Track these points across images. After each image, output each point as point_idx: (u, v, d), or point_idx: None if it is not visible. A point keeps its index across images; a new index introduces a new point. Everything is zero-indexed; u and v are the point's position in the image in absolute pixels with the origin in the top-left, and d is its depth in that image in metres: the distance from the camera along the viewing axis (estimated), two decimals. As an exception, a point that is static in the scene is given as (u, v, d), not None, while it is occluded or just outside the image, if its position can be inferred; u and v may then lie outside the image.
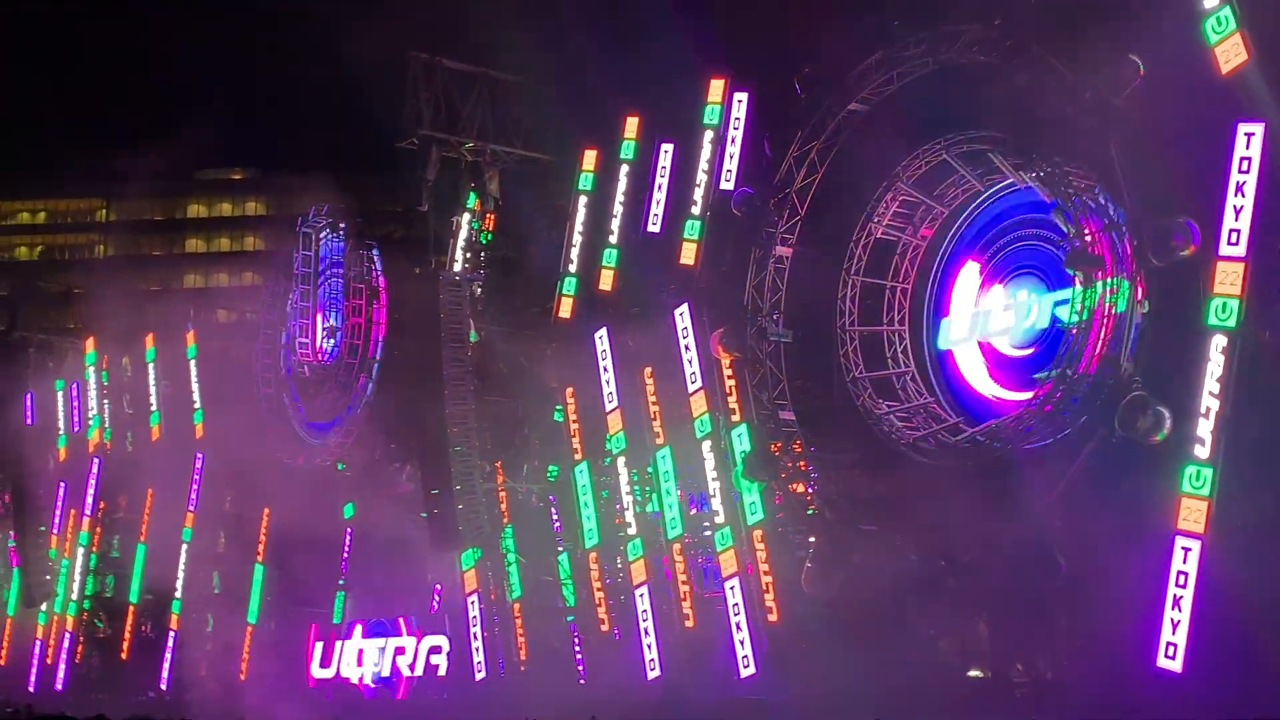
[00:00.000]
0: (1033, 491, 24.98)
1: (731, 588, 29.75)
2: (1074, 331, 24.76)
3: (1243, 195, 22.10)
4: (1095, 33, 24.26)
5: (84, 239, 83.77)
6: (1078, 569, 24.44)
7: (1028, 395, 25.96)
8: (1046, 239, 27.05)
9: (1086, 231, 24.61)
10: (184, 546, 46.40)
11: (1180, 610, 22.34)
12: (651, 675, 31.60)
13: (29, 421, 54.06)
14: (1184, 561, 22.35)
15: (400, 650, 40.28)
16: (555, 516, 36.31)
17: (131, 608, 47.93)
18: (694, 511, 31.71)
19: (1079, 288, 24.78)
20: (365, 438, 42.32)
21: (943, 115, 27.22)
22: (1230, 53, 22.42)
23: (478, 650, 36.97)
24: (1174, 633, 22.38)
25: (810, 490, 28.72)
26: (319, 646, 42.03)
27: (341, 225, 43.31)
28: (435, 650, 39.49)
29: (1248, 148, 22.08)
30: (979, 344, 28.34)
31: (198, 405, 47.11)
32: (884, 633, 27.12)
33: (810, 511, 28.95)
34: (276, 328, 45.42)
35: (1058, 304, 26.59)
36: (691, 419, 31.07)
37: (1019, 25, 25.25)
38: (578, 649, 34.91)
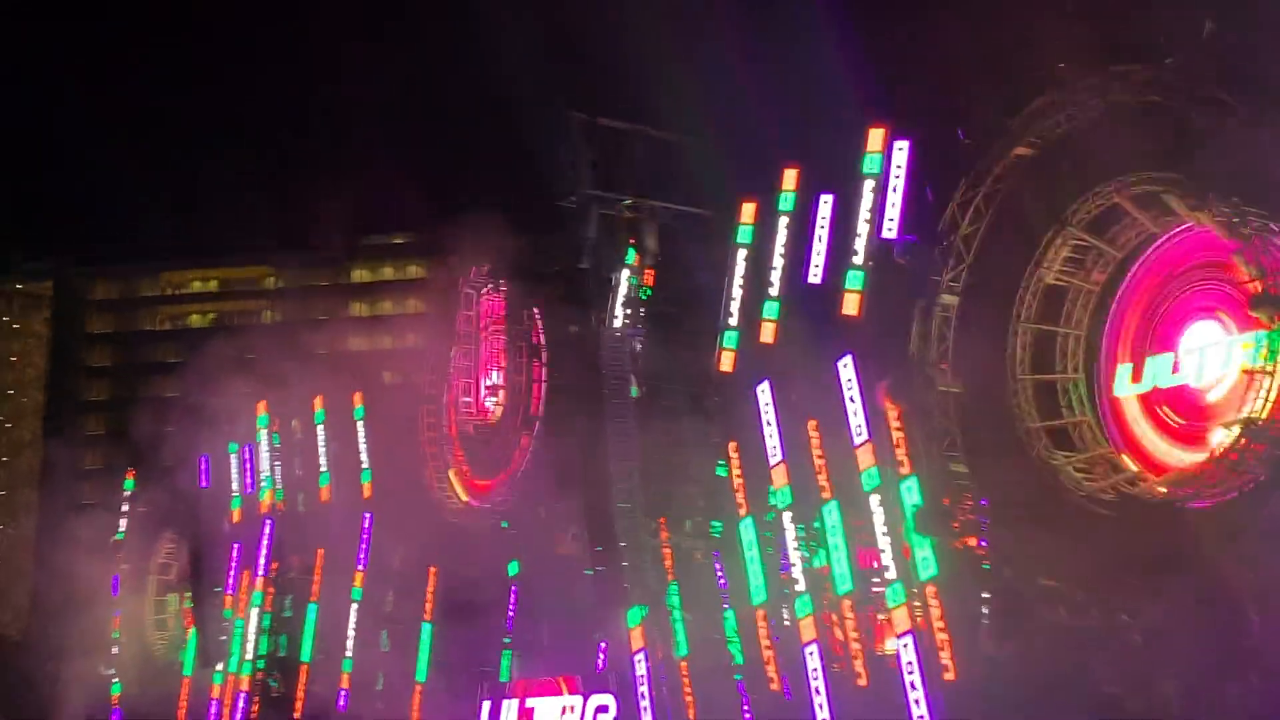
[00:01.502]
0: (1220, 544, 24.09)
1: (905, 645, 29.07)
2: (1258, 375, 23.86)
3: None
4: (1273, 69, 23.48)
5: (253, 305, 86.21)
6: (1269, 624, 23.46)
7: (1211, 444, 25.01)
8: (1226, 282, 26.12)
9: (1270, 272, 23.74)
10: (354, 606, 46.97)
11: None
12: (824, 733, 31.04)
13: (204, 484, 55.40)
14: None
15: (568, 709, 40.15)
16: (720, 572, 35.97)
17: (304, 667, 48.66)
18: (864, 567, 31.14)
19: (1263, 331, 23.92)
20: (529, 495, 42.55)
21: (1113, 157, 26.52)
22: None
23: (646, 710, 36.69)
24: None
25: (985, 544, 28.00)
26: (487, 705, 42.13)
27: (503, 284, 43.79)
28: (603, 710, 39.27)
29: None
30: (1160, 390, 27.38)
31: (365, 465, 47.82)
32: (1066, 691, 26.30)
33: (986, 566, 28.22)
34: (440, 387, 46.03)
35: (1238, 349, 25.62)
36: (859, 472, 30.53)
37: (1192, 63, 24.57)
38: (746, 708, 34.43)
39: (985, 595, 28.15)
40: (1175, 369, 27.23)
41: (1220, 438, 24.37)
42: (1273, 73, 23.40)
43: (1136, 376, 27.98)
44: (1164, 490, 26.08)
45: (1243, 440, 23.99)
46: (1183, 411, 27.06)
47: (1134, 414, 27.99)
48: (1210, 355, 26.55)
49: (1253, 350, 24.52)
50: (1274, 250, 23.96)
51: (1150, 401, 27.72)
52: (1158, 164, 26.02)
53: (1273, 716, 24.17)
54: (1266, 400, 23.73)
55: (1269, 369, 23.67)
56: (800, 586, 32.43)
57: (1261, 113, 23.41)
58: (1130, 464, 27.55)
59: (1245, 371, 24.77)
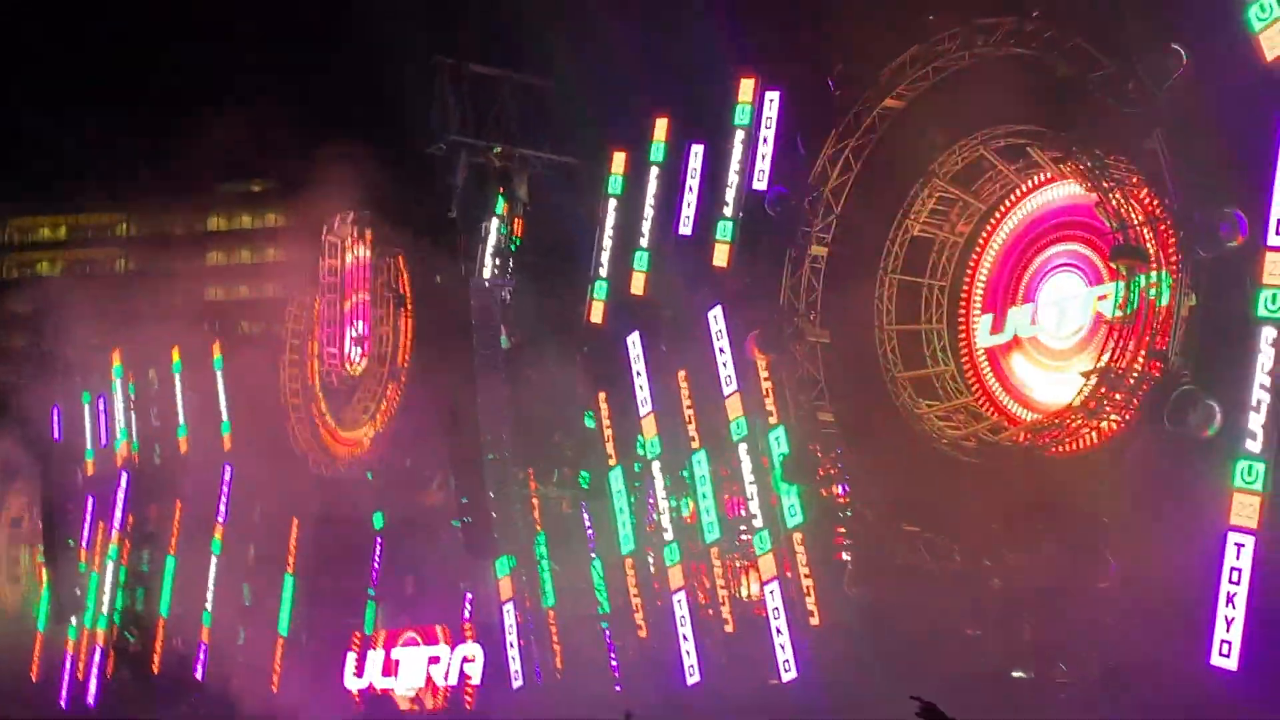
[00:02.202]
0: (1079, 489, 24.68)
1: (771, 591, 29.44)
2: (1117, 326, 24.41)
3: (1293, 184, 21.74)
4: (1137, 22, 23.91)
5: (105, 254, 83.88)
6: (1127, 568, 24.10)
7: (1071, 392, 25.57)
8: (1086, 233, 26.70)
9: (1129, 224, 24.26)
10: (213, 559, 46.27)
11: (1234, 607, 21.98)
12: (691, 681, 31.33)
13: (56, 437, 54.01)
14: (1237, 558, 21.99)
15: (434, 659, 40.03)
16: (588, 523, 36.08)
17: (162, 621, 47.82)
18: (731, 516, 31.44)
19: (1122, 281, 24.44)
20: (395, 446, 42.22)
21: (980, 110, 26.88)
22: (1275, 40, 22.08)
23: (514, 659, 36.73)
24: (1228, 630, 22.02)
25: (850, 492, 28.40)
26: (351, 657, 41.84)
27: (367, 233, 43.21)
28: (469, 659, 39.25)
29: (1297, 136, 21.72)
30: (1019, 341, 27.94)
31: (225, 417, 47.02)
32: (927, 635, 26.81)
33: (850, 513, 28.63)
34: (303, 338, 45.37)
35: (1099, 299, 26.21)
36: (728, 422, 30.76)
37: (1058, 16, 24.94)
38: (613, 656, 34.64)
39: (849, 542, 28.56)
40: (1034, 320, 27.77)
41: (1079, 386, 24.83)
42: (1137, 26, 23.79)
43: (997, 327, 28.51)
44: (1024, 438, 26.59)
45: (1101, 389, 24.47)
46: (1044, 361, 27.59)
47: (997, 364, 28.53)
48: (1069, 306, 27.12)
49: (1110, 300, 25.01)
50: (1134, 202, 24.45)
51: (1012, 352, 28.26)
52: (1022, 116, 26.40)
53: (1127, 658, 24.78)
54: (1123, 350, 24.22)
55: (1127, 319, 24.15)
56: (669, 535, 32.64)
57: (1125, 65, 23.81)
58: (992, 413, 28.09)
59: (1104, 322, 25.29)
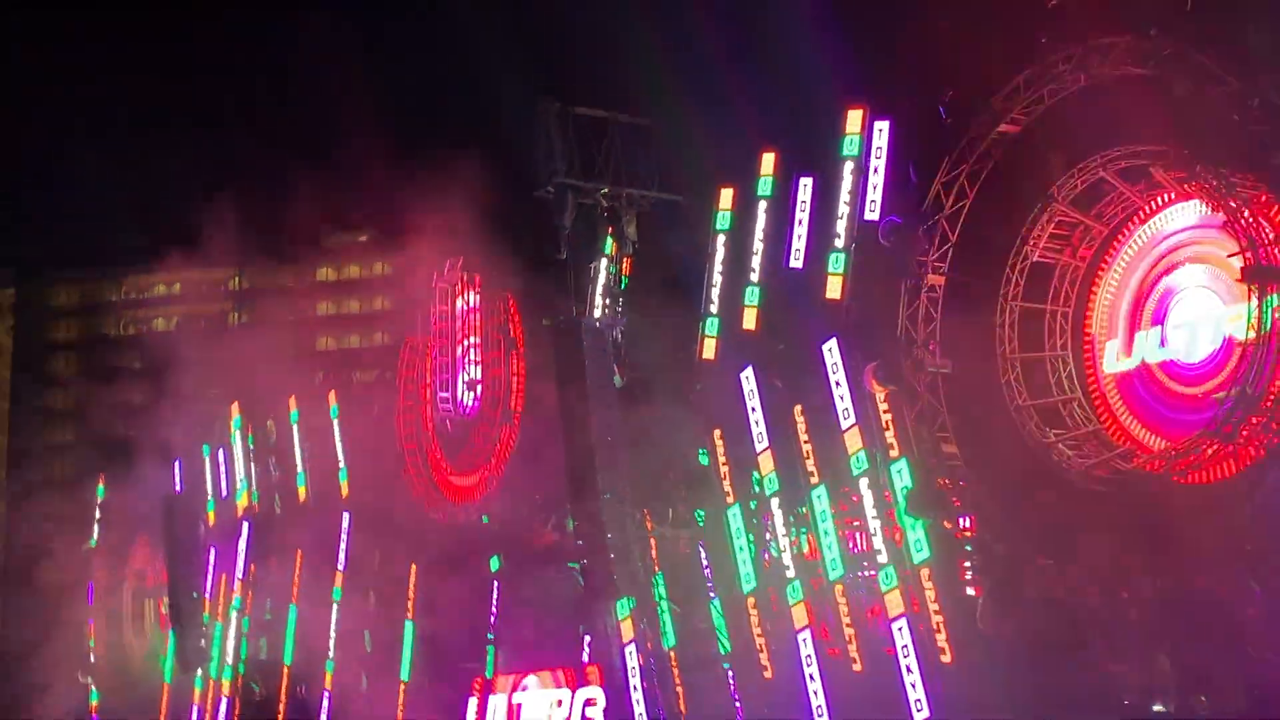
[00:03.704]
0: (1219, 516, 23.98)
1: (899, 629, 28.88)
2: (1251, 348, 23.73)
3: None
4: (1258, 35, 23.33)
5: (217, 308, 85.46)
6: (1272, 596, 23.36)
7: (1205, 417, 24.87)
8: (1215, 254, 25.99)
9: (1260, 243, 23.60)
10: (335, 606, 46.57)
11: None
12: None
13: (178, 489, 54.83)
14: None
15: (558, 703, 39.86)
16: (705, 562, 35.76)
17: (286, 669, 48.21)
18: (854, 551, 30.97)
19: (1253, 302, 23.77)
20: (509, 489, 42.25)
21: (1098, 131, 26.35)
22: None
23: (638, 701, 36.43)
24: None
25: (978, 525, 27.83)
26: (473, 702, 41.82)
27: (476, 277, 43.40)
28: (590, 703, 39.02)
29: None
30: (1150, 366, 27.24)
31: (342, 465, 47.39)
32: (1063, 670, 26.19)
33: (978, 548, 28.06)
34: (417, 384, 45.65)
35: (1231, 321, 25.48)
36: (847, 456, 30.31)
37: (1175, 33, 24.39)
38: (737, 698, 34.22)
39: (980, 576, 27.98)
40: (1164, 343, 27.09)
41: (1215, 411, 24.14)
42: (1257, 40, 23.20)
43: (1125, 352, 27.85)
44: (1158, 466, 25.90)
45: (1236, 412, 23.80)
46: (1174, 386, 26.90)
47: (1127, 390, 27.85)
48: (1200, 329, 26.42)
49: (1242, 322, 24.33)
50: (1263, 220, 23.79)
51: (1140, 378, 27.57)
52: (1142, 136, 25.84)
53: (1274, 688, 24.02)
54: (1258, 371, 23.55)
55: (1261, 340, 23.47)
56: (790, 573, 32.22)
57: (1246, 81, 23.21)
58: (1122, 440, 27.40)
59: (1237, 344, 24.60)
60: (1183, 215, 26.64)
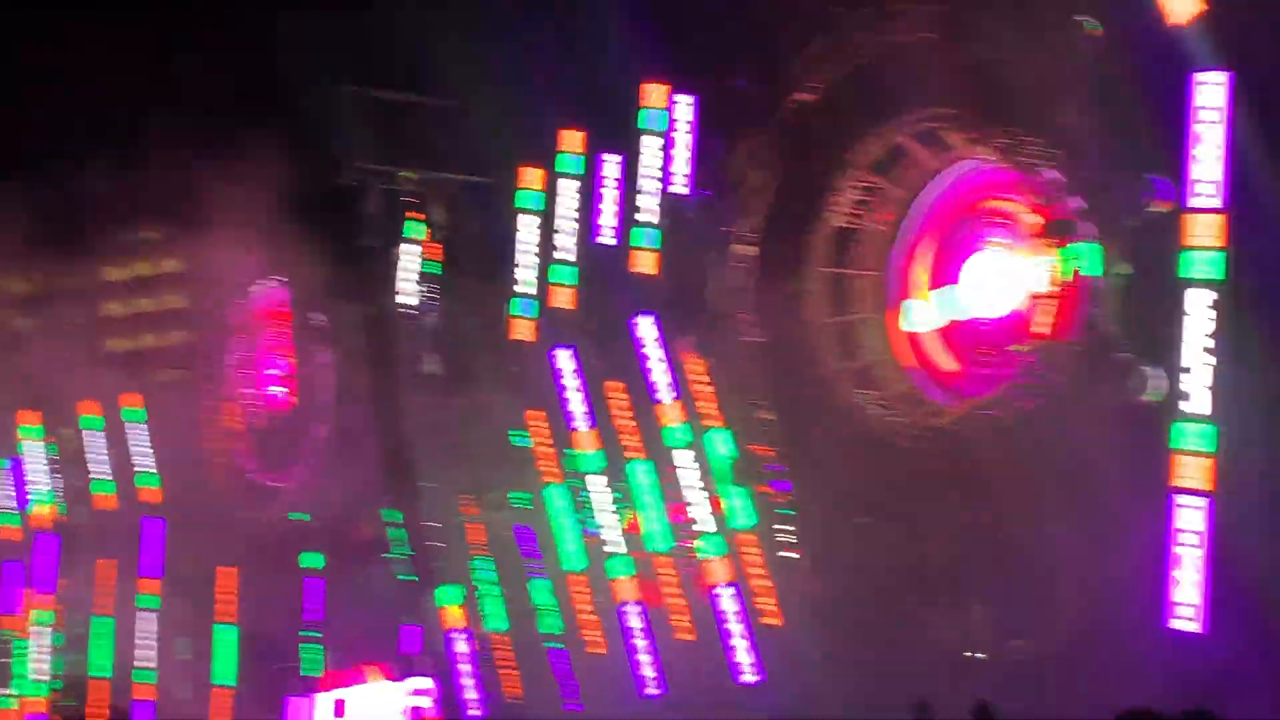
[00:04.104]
0: (1025, 464, 24.79)
1: (727, 596, 29.32)
2: (1047, 299, 24.56)
3: (1211, 146, 21.97)
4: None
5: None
6: (1076, 539, 24.21)
7: (1009, 370, 25.72)
8: (1010, 210, 26.86)
9: (1052, 199, 24.44)
10: (149, 614, 45.30)
11: (1187, 569, 22.12)
12: (653, 692, 31.10)
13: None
14: (1186, 519, 22.14)
15: (381, 697, 39.41)
16: (528, 543, 35.78)
17: (101, 682, 46.68)
18: (678, 523, 31.28)
19: (1050, 255, 24.61)
20: (325, 484, 41.59)
21: (894, 97, 26.97)
22: (1180, 4, 22.30)
23: (469, 688, 36.26)
24: (1185, 592, 22.16)
25: (798, 490, 28.35)
26: (298, 702, 41.11)
27: (281, 270, 42.51)
28: (420, 693, 38.67)
29: (1210, 99, 21.95)
30: (953, 323, 28.05)
31: (149, 469, 46.07)
32: (885, 624, 26.85)
33: (798, 511, 28.59)
34: (223, 382, 44.61)
35: (1023, 275, 26.34)
36: (667, 429, 30.62)
37: (964, -1, 25.12)
38: (569, 675, 34.34)
39: (800, 539, 28.51)
40: (964, 300, 27.88)
41: (1019, 361, 24.97)
42: (1044, 2, 23.99)
43: (928, 311, 28.58)
44: (964, 420, 26.70)
45: (1039, 365, 24.62)
46: (978, 341, 27.74)
47: (927, 349, 28.63)
48: (998, 284, 27.24)
49: (1040, 274, 25.14)
50: (1053, 177, 24.62)
51: (945, 335, 28.36)
52: (937, 100, 26.52)
53: (1085, 628, 24.90)
54: (1058, 322, 24.38)
55: (1058, 291, 24.32)
56: (616, 549, 32.42)
57: (1035, 42, 23.98)
58: (931, 397, 28.17)
59: (1035, 297, 25.44)
60: (978, 175, 27.44)
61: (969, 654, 26.53)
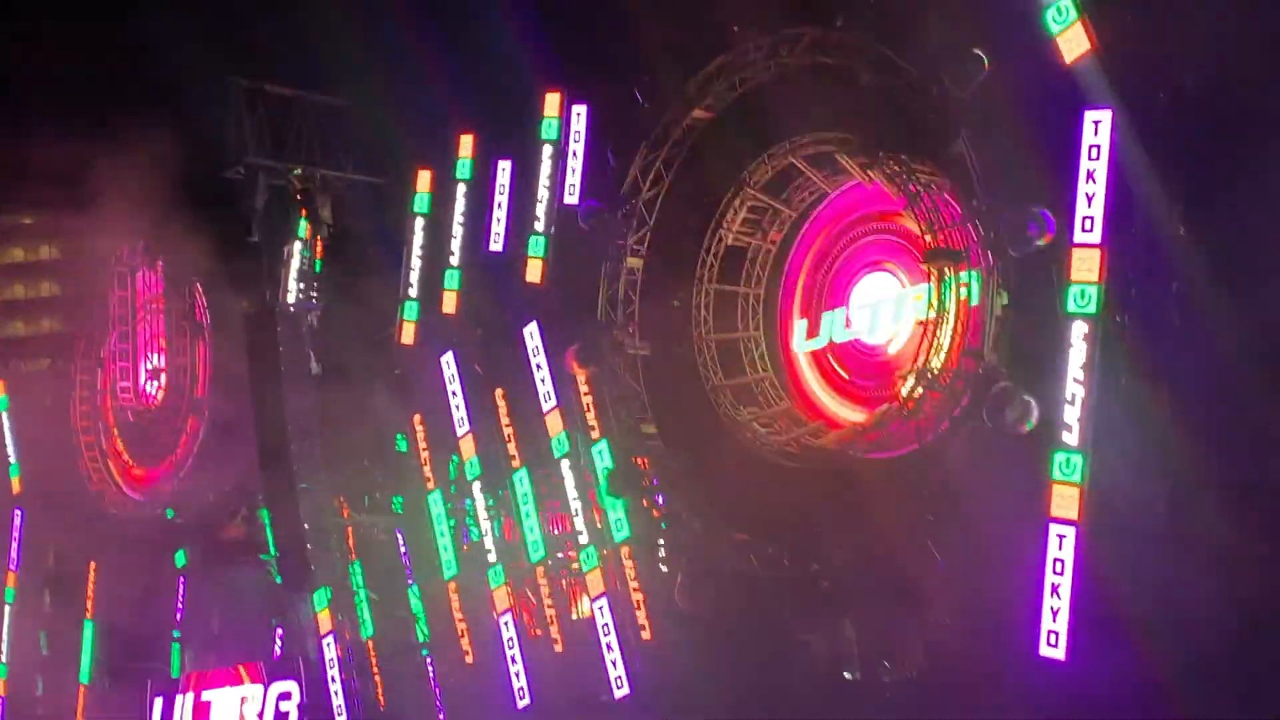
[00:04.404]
0: (903, 488, 25.03)
1: (600, 608, 29.24)
2: (931, 326, 24.85)
3: (1094, 182, 22.32)
4: (938, 29, 24.40)
5: None
6: (953, 564, 24.49)
7: (889, 394, 25.95)
8: (896, 236, 27.18)
9: (939, 226, 24.73)
10: (6, 608, 44.24)
11: (1060, 597, 22.47)
12: (521, 704, 30.93)
13: None
14: (1060, 549, 22.51)
15: (246, 699, 38.76)
16: (404, 549, 35.44)
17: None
18: (556, 533, 31.17)
19: (933, 283, 24.89)
20: (196, 481, 40.90)
21: (788, 119, 27.15)
22: (1073, 42, 22.71)
23: (336, 694, 35.78)
24: (1055, 620, 22.51)
25: (676, 503, 28.35)
26: (159, 702, 40.30)
27: (159, 262, 41.81)
28: (285, 696, 38.10)
29: (1096, 135, 22.29)
30: (836, 345, 28.29)
31: (13, 460, 44.98)
32: (759, 642, 26.93)
33: (675, 525, 28.58)
34: (94, 373, 43.74)
35: (913, 300, 26.66)
36: (548, 438, 30.50)
37: (860, 25, 25.31)
38: (435, 685, 34.05)
39: (677, 553, 28.51)
40: (848, 324, 28.15)
41: (898, 389, 25.20)
42: (939, 32, 24.27)
43: (812, 332, 28.84)
44: (845, 442, 26.91)
45: (918, 390, 24.87)
46: (859, 365, 28.01)
47: (811, 369, 28.86)
48: (882, 309, 27.55)
49: (924, 302, 25.44)
50: (941, 205, 24.95)
51: (826, 356, 28.60)
52: (829, 124, 26.73)
53: (955, 654, 25.19)
54: (939, 351, 24.66)
55: (940, 319, 24.59)
56: (492, 558, 32.21)
57: (928, 71, 24.26)
58: (811, 417, 28.35)
59: (919, 323, 25.73)
60: (866, 201, 27.72)
61: (845, 675, 26.76)
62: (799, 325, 29.01)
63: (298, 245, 36.39)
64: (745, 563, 27.06)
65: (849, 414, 27.93)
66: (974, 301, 24.48)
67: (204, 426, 40.50)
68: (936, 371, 24.57)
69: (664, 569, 28.71)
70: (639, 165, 28.70)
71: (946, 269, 24.64)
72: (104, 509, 42.89)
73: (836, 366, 28.32)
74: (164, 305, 41.83)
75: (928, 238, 24.81)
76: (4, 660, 43.99)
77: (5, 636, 44.06)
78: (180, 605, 41.17)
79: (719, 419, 28.48)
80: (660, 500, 28.82)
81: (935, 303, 24.71)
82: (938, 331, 24.63)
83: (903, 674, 26.69)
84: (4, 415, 45.58)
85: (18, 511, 44.52)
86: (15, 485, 44.84)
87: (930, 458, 24.89)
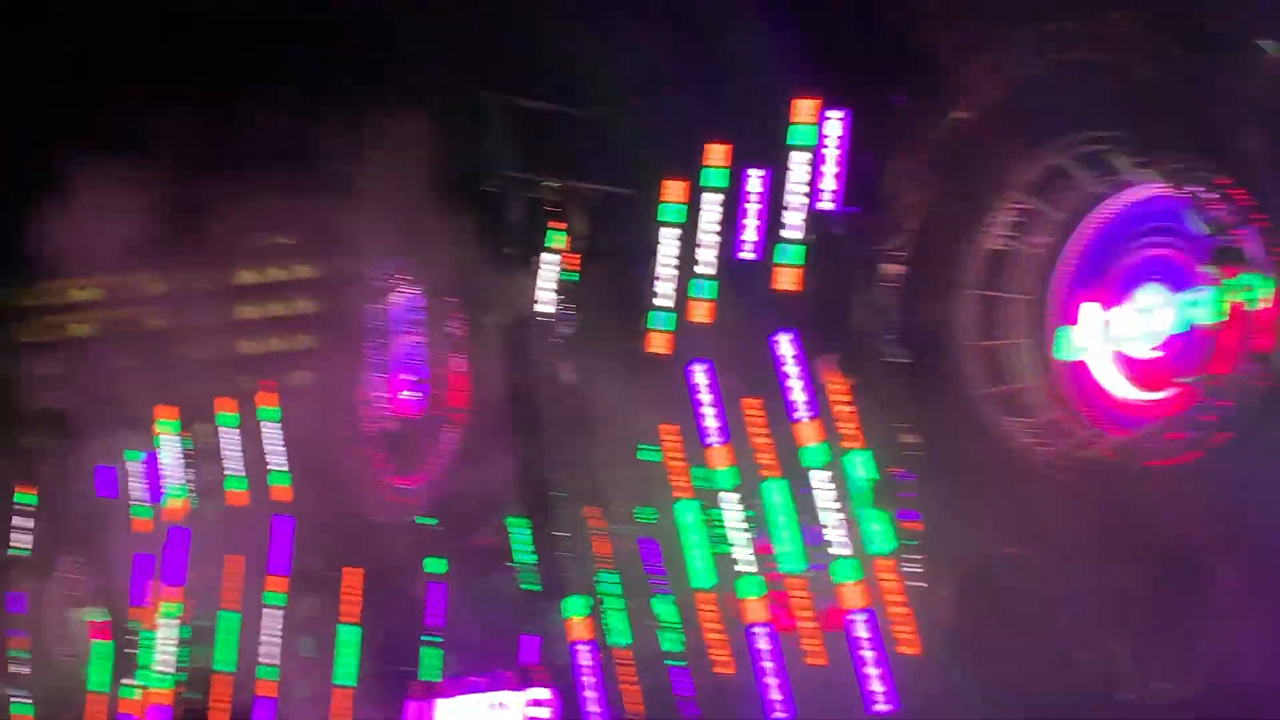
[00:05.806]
0: (1184, 501, 23.96)
1: (860, 622, 28.73)
2: (1214, 331, 23.75)
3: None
4: (1218, 19, 23.33)
5: (138, 313, 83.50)
6: (1238, 580, 23.37)
7: (1168, 399, 24.89)
8: (1172, 238, 26.02)
9: (1223, 226, 23.62)
10: (274, 612, 45.75)
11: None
12: (779, 717, 30.58)
13: (109, 495, 53.56)
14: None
15: (501, 705, 39.34)
16: (654, 559, 35.49)
17: (225, 677, 47.23)
18: (810, 545, 30.78)
19: (1216, 286, 23.80)
20: (453, 490, 41.70)
21: (1056, 117, 26.27)
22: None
23: (591, 701, 36.01)
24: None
25: (940, 515, 27.70)
26: (414, 706, 41.24)
27: (417, 276, 42.76)
28: (537, 704, 38.55)
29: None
30: (1109, 351, 27.22)
31: (280, 468, 46.57)
32: (1027, 659, 26.12)
33: (939, 538, 27.93)
34: (355, 385, 44.95)
35: (1189, 305, 25.49)
36: (804, 449, 30.13)
37: (1135, 16, 24.36)
38: (690, 694, 33.96)
39: (942, 567, 27.86)
40: (1122, 330, 27.06)
41: (1179, 395, 24.15)
42: (1218, 22, 23.20)
43: (1082, 339, 27.81)
44: (1120, 452, 25.90)
45: (1198, 397, 23.80)
46: (1132, 373, 26.92)
47: (1081, 378, 27.84)
48: (1158, 314, 26.43)
49: (1204, 307, 24.34)
50: (1225, 203, 23.80)
51: (1099, 364, 27.52)
52: (1100, 122, 25.79)
53: (1240, 675, 24.03)
54: (1222, 356, 23.56)
55: (1224, 323, 23.49)
56: (747, 568, 31.99)
57: (1207, 63, 23.20)
58: (1084, 426, 27.36)
59: (1198, 328, 24.61)
60: (1142, 201, 26.63)
61: (1119, 695, 25.74)
62: (1068, 332, 28.01)
63: (551, 258, 36.83)
64: (1013, 578, 26.23)
65: (1121, 423, 26.85)
66: (1260, 305, 23.30)
67: (461, 437, 41.23)
68: (1218, 377, 23.46)
69: (926, 584, 28.03)
70: (897, 169, 28.18)
71: (1229, 270, 23.51)
72: (365, 517, 43.98)
73: (1108, 374, 27.22)
74: (421, 318, 42.71)
75: (1210, 238, 23.71)
76: (270, 663, 45.47)
77: (271, 640, 45.52)
78: (438, 612, 41.99)
79: (984, 429, 27.68)
80: (922, 512, 28.19)
81: (1217, 306, 23.61)
82: (1219, 336, 23.53)
83: (1183, 695, 25.64)
84: (272, 426, 47.21)
85: (284, 518, 46.01)
86: (282, 493, 46.37)
87: (1212, 467, 23.77)
